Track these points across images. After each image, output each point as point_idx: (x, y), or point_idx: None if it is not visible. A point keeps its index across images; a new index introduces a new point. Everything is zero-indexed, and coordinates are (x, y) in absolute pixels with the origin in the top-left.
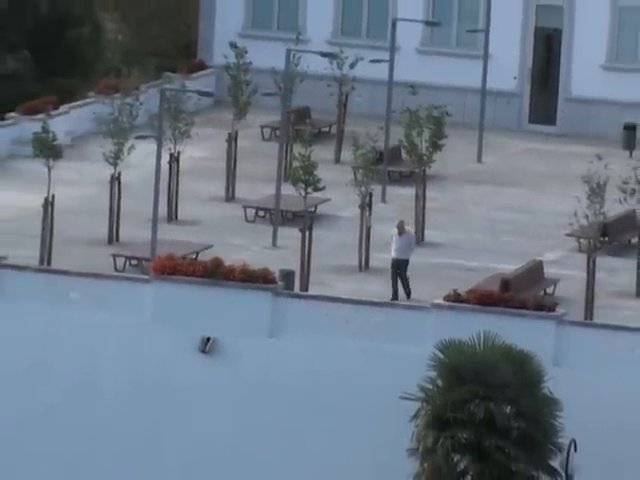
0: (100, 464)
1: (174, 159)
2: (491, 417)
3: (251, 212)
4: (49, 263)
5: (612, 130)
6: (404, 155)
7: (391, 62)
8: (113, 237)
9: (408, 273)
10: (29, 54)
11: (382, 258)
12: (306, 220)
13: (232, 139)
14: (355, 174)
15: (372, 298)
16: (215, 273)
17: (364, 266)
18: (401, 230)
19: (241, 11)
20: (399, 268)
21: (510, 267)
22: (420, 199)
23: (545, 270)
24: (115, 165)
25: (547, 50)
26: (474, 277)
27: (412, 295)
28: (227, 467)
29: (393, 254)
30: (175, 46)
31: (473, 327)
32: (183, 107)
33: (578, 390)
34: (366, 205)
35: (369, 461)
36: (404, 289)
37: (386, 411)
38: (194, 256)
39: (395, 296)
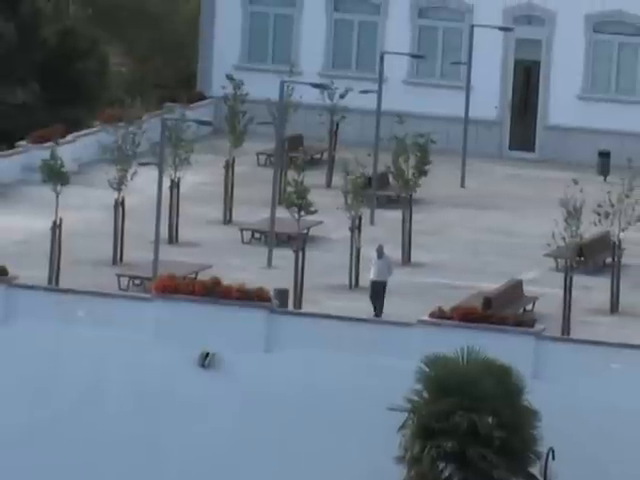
0: (104, 472)
1: (175, 184)
2: (474, 427)
3: (247, 234)
4: (57, 283)
5: (587, 156)
6: (391, 180)
7: (379, 93)
8: (117, 258)
9: (387, 293)
10: (38, 86)
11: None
12: (299, 242)
13: (229, 165)
14: (345, 198)
15: (361, 315)
16: (214, 292)
17: (354, 285)
18: (380, 253)
19: (237, 45)
20: (378, 289)
21: (491, 286)
22: (407, 222)
23: (524, 288)
24: (119, 190)
25: (526, 81)
26: (458, 295)
27: (399, 312)
28: (225, 476)
29: (372, 276)
30: (176, 78)
31: (457, 342)
32: (183, 135)
33: (556, 402)
34: (356, 227)
35: (360, 468)
36: (378, 309)
37: (375, 421)
38: (194, 276)
39: (379, 314)
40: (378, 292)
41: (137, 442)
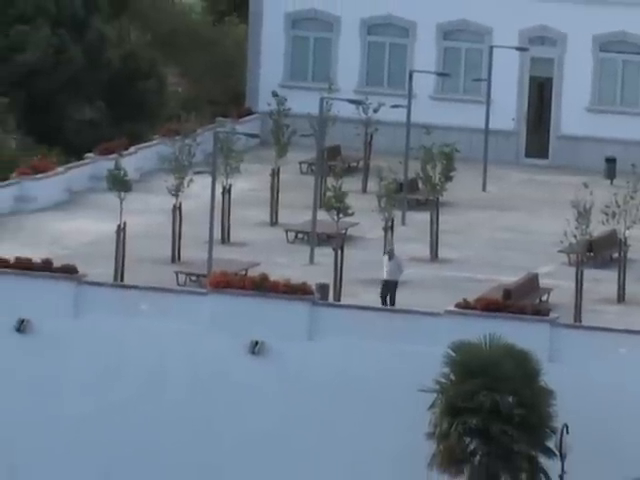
0: (165, 450)
1: (226, 191)
2: (496, 406)
3: (292, 235)
4: (122, 279)
5: (595, 163)
6: (420, 185)
7: (409, 107)
8: (175, 257)
9: (417, 286)
10: (104, 104)
11: (403, 273)
12: (338, 241)
13: (275, 173)
14: (379, 202)
15: (395, 306)
16: (262, 286)
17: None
18: (391, 255)
19: (281, 65)
20: (389, 288)
21: (511, 279)
22: (434, 222)
23: (540, 281)
24: (176, 196)
25: (540, 96)
26: (480, 287)
27: (428, 303)
28: (273, 451)
29: (385, 276)
30: (226, 96)
31: (480, 330)
32: (233, 147)
33: (569, 382)
34: (389, 228)
35: (394, 444)
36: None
37: (408, 401)
38: (244, 272)
39: None
40: (390, 290)
41: (194, 423)
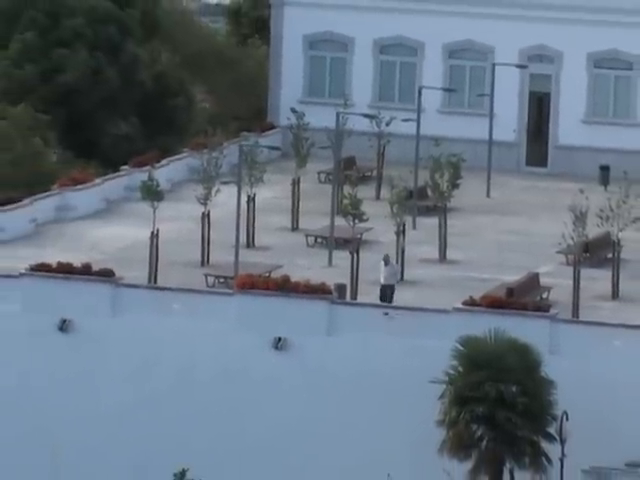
0: (196, 439)
1: (251, 199)
2: (501, 395)
3: (311, 239)
4: (155, 281)
5: (591, 170)
6: (429, 193)
7: (418, 120)
8: (204, 261)
9: (427, 285)
10: (137, 120)
11: (414, 273)
12: (354, 244)
13: (295, 183)
14: (391, 208)
15: (407, 304)
16: (284, 287)
17: (400, 279)
18: (386, 262)
19: (300, 83)
20: (386, 292)
21: (513, 278)
22: (442, 226)
23: (541, 280)
24: (205, 205)
25: (539, 109)
26: (485, 286)
27: (437, 301)
28: (296, 439)
29: (382, 281)
30: (250, 111)
31: (485, 325)
32: (257, 159)
33: (568, 373)
34: (400, 232)
35: (407, 431)
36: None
37: (419, 392)
38: (268, 274)
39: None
40: (387, 294)
41: (222, 413)
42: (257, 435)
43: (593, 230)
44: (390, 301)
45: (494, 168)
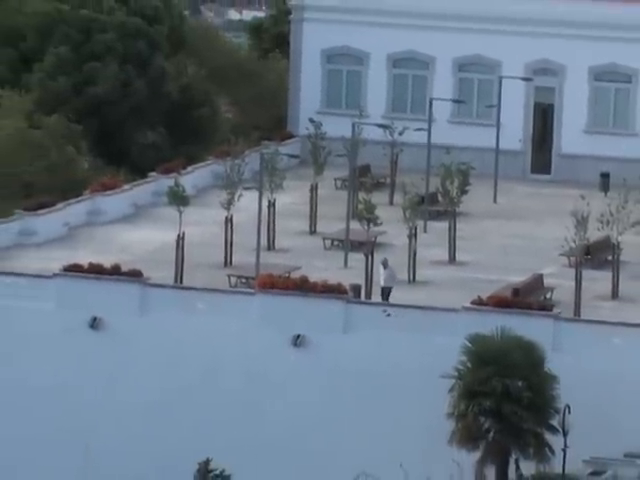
0: (220, 431)
1: (271, 204)
2: (507, 389)
3: (328, 242)
4: (181, 282)
5: (592, 177)
6: (440, 198)
7: (429, 130)
8: (227, 262)
9: (438, 285)
10: (164, 130)
11: (425, 274)
12: (369, 247)
13: (313, 189)
14: (404, 213)
15: (418, 303)
16: (303, 287)
17: (412, 279)
18: (385, 265)
19: (318, 95)
20: (386, 294)
21: (519, 279)
22: (452, 230)
23: (544, 281)
24: (228, 209)
25: (543, 119)
26: (492, 287)
27: (447, 300)
28: (313, 431)
29: (382, 283)
30: (270, 121)
31: (493, 323)
32: (277, 166)
33: (570, 369)
34: (412, 235)
35: (419, 422)
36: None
37: (430, 386)
38: (287, 275)
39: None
40: (387, 296)
41: (245, 407)
42: (277, 427)
43: (594, 234)
44: (387, 300)
45: (501, 175)
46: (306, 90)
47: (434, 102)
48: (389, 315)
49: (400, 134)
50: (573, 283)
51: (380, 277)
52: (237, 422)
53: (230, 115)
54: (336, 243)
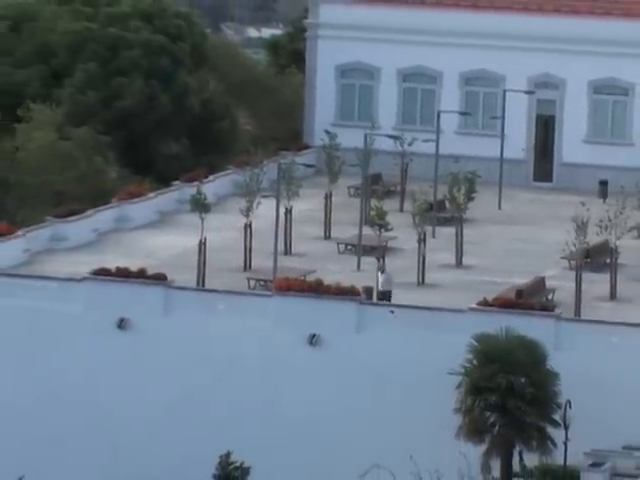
0: (240, 425)
1: (288, 211)
2: (511, 386)
3: (342, 246)
4: (203, 284)
5: (591, 185)
6: (447, 205)
7: (437, 141)
8: (247, 266)
9: (446, 287)
10: (187, 141)
11: (434, 277)
12: (380, 251)
13: (328, 196)
14: (414, 219)
15: (427, 304)
16: (318, 289)
17: (421, 282)
18: (382, 270)
19: (332, 107)
20: (385, 297)
21: (522, 281)
22: (459, 235)
23: (546, 283)
24: (247, 216)
25: (545, 130)
26: (497, 288)
27: (454, 301)
28: (328, 425)
29: (380, 288)
30: (287, 133)
31: (497, 323)
32: (294, 175)
33: (571, 366)
34: (422, 240)
35: (428, 417)
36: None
37: (438, 382)
38: (303, 277)
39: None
40: (388, 299)
41: (263, 402)
42: (294, 421)
43: (593, 238)
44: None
45: (505, 183)
46: (321, 103)
47: (442, 114)
48: (393, 312)
49: (410, 145)
50: (573, 285)
51: (378, 282)
52: (256, 417)
53: (249, 127)
54: (349, 247)
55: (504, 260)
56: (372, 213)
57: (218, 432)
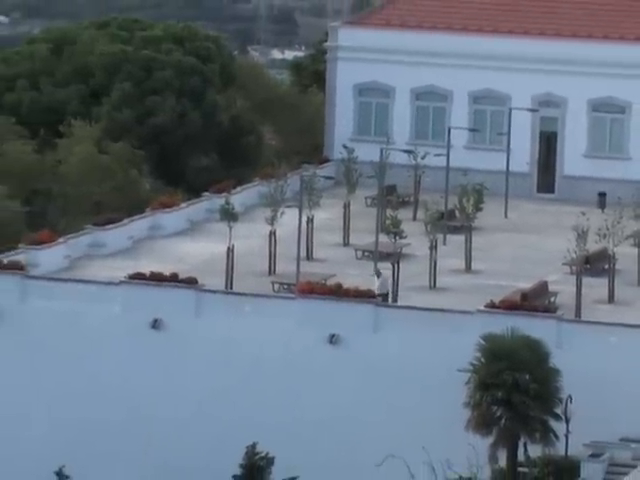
0: (265, 420)
1: (310, 220)
2: (516, 382)
3: (360, 253)
4: (231, 288)
5: (590, 196)
6: (457, 214)
7: (448, 155)
8: (271, 270)
9: (455, 291)
10: (216, 155)
11: (444, 281)
12: (395, 257)
13: (347, 206)
14: (426, 227)
15: (438, 306)
16: (337, 292)
17: (433, 286)
18: (378, 274)
19: (350, 124)
20: (382, 299)
21: (526, 285)
22: (468, 242)
23: (549, 286)
24: (272, 224)
25: (547, 145)
26: (503, 292)
27: (464, 304)
28: (347, 420)
29: (376, 291)
30: (309, 147)
31: (504, 324)
32: (315, 186)
33: (572, 364)
34: (433, 247)
35: (439, 411)
36: None
37: (449, 379)
38: (324, 281)
39: None
40: (383, 300)
41: (287, 398)
42: (315, 415)
43: (592, 246)
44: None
45: (510, 194)
46: (340, 120)
47: (452, 130)
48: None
49: (422, 158)
50: (574, 289)
51: (374, 285)
52: (280, 411)
53: (273, 142)
54: (366, 254)
55: (510, 265)
56: (387, 222)
57: (245, 425)
